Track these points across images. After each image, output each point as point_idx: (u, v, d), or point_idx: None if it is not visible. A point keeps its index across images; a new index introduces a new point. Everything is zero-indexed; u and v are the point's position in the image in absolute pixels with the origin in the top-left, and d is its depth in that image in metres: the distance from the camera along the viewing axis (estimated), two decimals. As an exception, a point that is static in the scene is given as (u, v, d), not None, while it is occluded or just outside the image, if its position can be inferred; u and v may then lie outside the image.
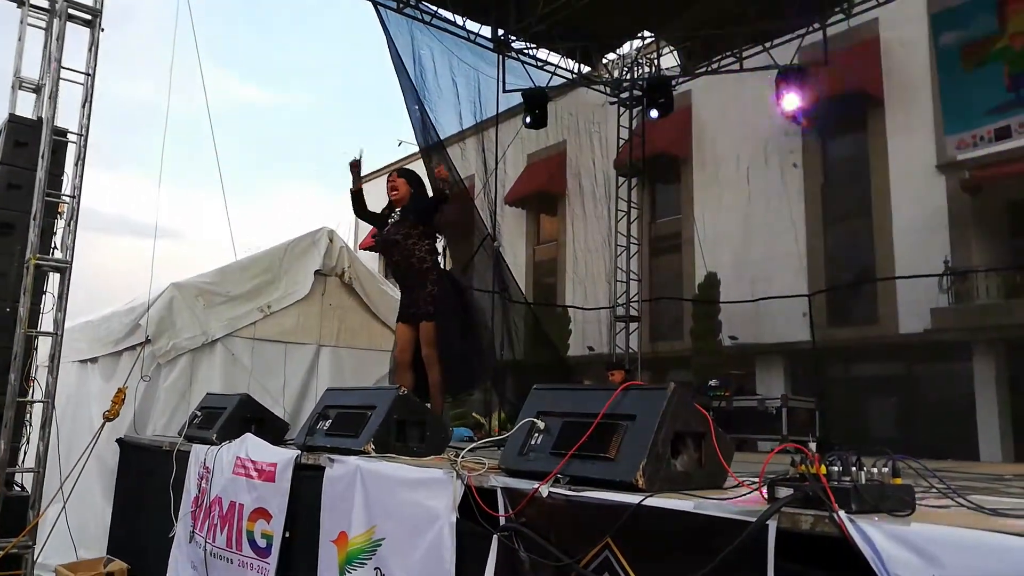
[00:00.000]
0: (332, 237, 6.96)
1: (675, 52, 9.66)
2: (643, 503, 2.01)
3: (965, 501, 1.88)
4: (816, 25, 8.18)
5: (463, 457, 2.67)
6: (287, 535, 3.34)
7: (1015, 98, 6.59)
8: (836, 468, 1.87)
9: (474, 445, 3.05)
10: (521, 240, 21.58)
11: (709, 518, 1.88)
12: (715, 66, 9.19)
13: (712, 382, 8.01)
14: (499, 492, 2.40)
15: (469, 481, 2.48)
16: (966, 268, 12.86)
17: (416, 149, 13.27)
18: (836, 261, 15.46)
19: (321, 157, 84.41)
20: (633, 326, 10.82)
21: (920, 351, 13.73)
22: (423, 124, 9.42)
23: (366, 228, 28.22)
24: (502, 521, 2.36)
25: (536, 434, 2.49)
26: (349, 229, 23.35)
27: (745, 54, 8.90)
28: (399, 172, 4.81)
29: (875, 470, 1.83)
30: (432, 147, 9.50)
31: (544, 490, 2.24)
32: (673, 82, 9.14)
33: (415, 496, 2.70)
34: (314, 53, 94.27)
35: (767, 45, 8.61)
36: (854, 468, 1.86)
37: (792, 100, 8.36)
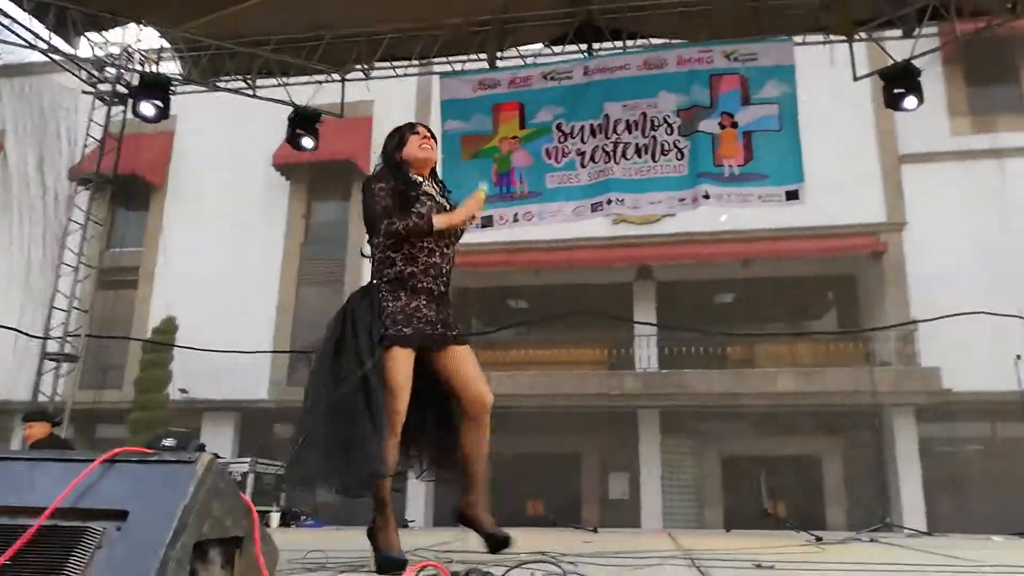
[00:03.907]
0: None
1: (179, 59, 8.39)
2: None
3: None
4: (336, 76, 8.03)
5: None
6: None
7: (499, 193, 7.29)
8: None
9: None
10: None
11: None
12: (226, 85, 8.22)
13: (167, 441, 6.66)
14: None
15: None
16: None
17: None
18: (306, 322, 15.44)
19: None
20: (67, 367, 8.65)
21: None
22: None
23: None
24: None
25: None
26: None
27: (259, 82, 8.21)
28: (427, 128, 3.10)
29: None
30: None
31: None
32: (172, 86, 7.84)
33: None
34: None
35: (285, 81, 8.10)
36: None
37: (307, 143, 7.95)
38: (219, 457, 6.41)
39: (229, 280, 14.96)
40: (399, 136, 3.04)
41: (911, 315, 12.20)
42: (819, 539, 4.12)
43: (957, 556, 3.11)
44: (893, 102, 7.27)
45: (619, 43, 7.73)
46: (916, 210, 13.24)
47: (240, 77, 8.42)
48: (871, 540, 4.55)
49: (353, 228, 15.78)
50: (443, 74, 7.97)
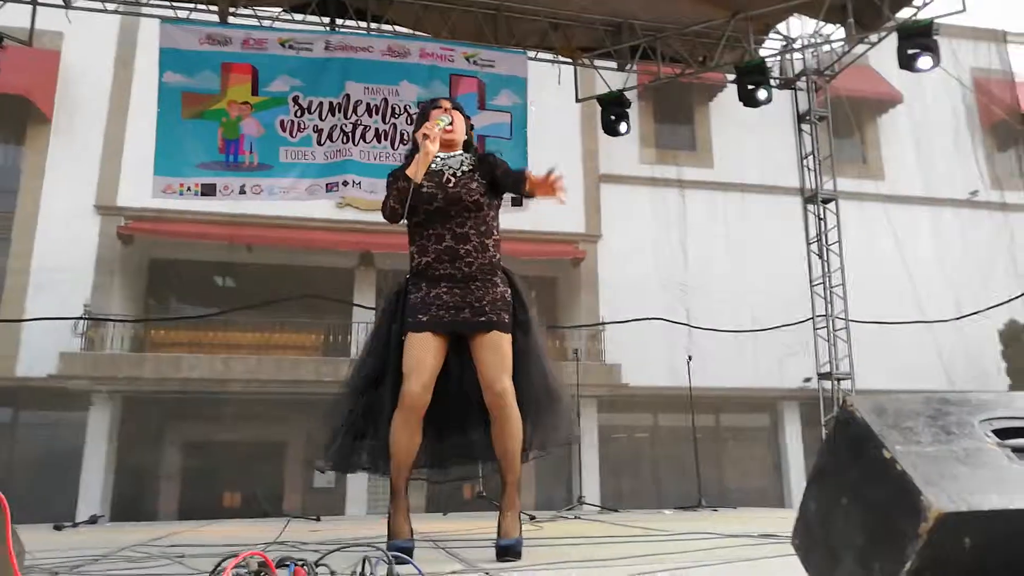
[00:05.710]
0: None
1: None
2: None
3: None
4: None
5: None
6: None
7: (225, 161, 6.75)
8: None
9: None
10: None
11: None
12: None
13: None
14: None
15: None
16: (104, 316, 12.47)
17: None
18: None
19: None
20: None
21: (40, 397, 12.41)
22: None
23: None
24: None
25: None
26: None
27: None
28: (452, 102, 2.99)
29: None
30: None
31: None
32: None
33: None
34: None
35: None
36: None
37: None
38: None
39: None
40: (420, 113, 2.98)
41: (600, 317, 13.70)
42: (533, 518, 4.46)
43: (651, 528, 3.57)
44: (609, 127, 8.08)
45: (363, 23, 7.59)
46: (610, 225, 14.89)
47: None
48: (575, 517, 5.04)
49: (29, 177, 13.43)
50: (163, 19, 7.13)
